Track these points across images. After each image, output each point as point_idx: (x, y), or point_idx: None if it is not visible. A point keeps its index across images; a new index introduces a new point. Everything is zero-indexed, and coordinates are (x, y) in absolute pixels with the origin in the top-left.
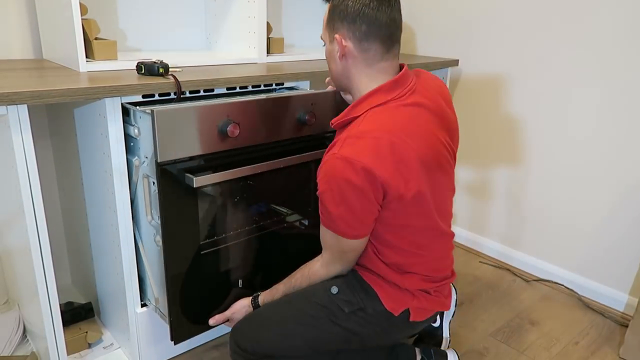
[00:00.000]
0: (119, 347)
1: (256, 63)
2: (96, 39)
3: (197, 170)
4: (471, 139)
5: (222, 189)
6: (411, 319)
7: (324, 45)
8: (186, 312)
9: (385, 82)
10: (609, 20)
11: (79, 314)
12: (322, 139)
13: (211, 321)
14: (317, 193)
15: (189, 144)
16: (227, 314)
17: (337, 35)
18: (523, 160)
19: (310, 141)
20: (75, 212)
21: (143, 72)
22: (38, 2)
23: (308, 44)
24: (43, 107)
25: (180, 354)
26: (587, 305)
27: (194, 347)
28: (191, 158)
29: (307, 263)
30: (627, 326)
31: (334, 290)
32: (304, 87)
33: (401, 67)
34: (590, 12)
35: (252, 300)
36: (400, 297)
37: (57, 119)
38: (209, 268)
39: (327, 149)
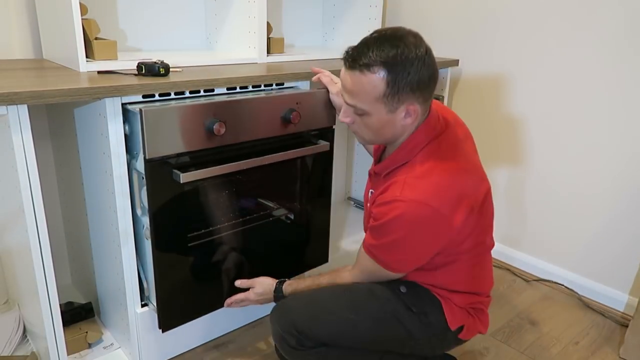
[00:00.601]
0: (119, 347)
1: (256, 63)
2: (96, 39)
3: (185, 167)
4: None
5: (208, 184)
6: (460, 336)
7: (364, 114)
8: (174, 301)
9: (421, 123)
10: (609, 20)
11: (79, 314)
12: (308, 137)
13: (237, 282)
14: (376, 225)
15: (177, 142)
16: (250, 282)
17: (410, 107)
18: (523, 160)
19: (294, 139)
20: (75, 212)
21: (143, 72)
22: (38, 2)
23: (308, 44)
24: (43, 107)
25: (180, 354)
26: (587, 305)
27: (194, 347)
28: (179, 155)
29: (337, 268)
30: (627, 326)
31: (403, 289)
32: (305, 87)
33: None
34: (590, 11)
35: (277, 283)
36: (459, 313)
37: (57, 119)
38: (196, 259)
39: (375, 194)
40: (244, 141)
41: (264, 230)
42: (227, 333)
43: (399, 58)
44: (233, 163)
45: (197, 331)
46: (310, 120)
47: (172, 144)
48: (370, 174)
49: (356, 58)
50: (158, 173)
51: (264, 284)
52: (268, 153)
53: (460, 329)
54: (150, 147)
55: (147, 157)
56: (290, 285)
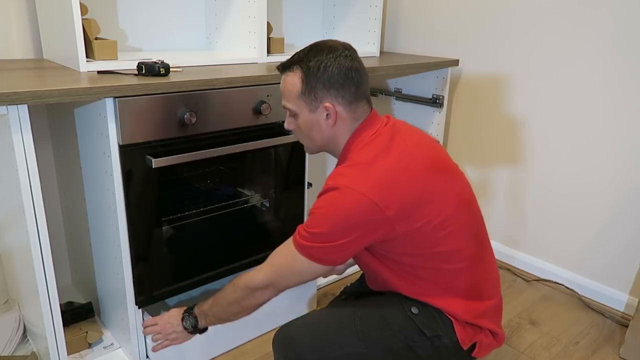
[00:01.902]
0: (120, 347)
1: (256, 63)
2: (96, 38)
3: (157, 154)
4: (471, 139)
5: (181, 170)
6: (474, 354)
7: (294, 116)
8: (149, 280)
9: (357, 127)
10: (609, 19)
11: (79, 314)
12: (278, 127)
13: (145, 331)
14: (311, 212)
15: (150, 130)
16: (156, 327)
17: (327, 104)
18: (523, 160)
19: (265, 130)
20: (75, 212)
21: (143, 72)
22: (38, 2)
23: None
24: (43, 107)
25: None
26: (587, 305)
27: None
28: (152, 142)
29: (234, 279)
30: (627, 326)
31: (415, 310)
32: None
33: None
34: (590, 11)
35: (184, 311)
36: (470, 330)
37: (57, 119)
38: (169, 241)
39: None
40: (215, 131)
41: (237, 216)
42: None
43: (312, 56)
44: (203, 151)
45: None
46: (281, 112)
47: (146, 131)
48: None
49: (284, 63)
50: (131, 158)
51: (165, 316)
52: (238, 142)
53: (473, 346)
54: (125, 133)
55: (121, 143)
56: (200, 308)
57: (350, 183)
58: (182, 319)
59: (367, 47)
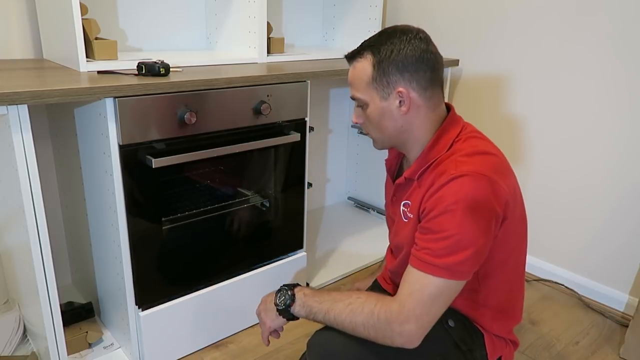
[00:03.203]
0: (120, 347)
1: (256, 63)
2: (96, 38)
3: (157, 154)
4: None
5: (181, 170)
6: None
7: (363, 105)
8: (149, 280)
9: (445, 119)
10: (608, 19)
11: (79, 314)
12: (280, 128)
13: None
14: (433, 220)
15: (150, 129)
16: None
17: (400, 89)
18: (523, 160)
19: (265, 130)
20: (75, 212)
21: (144, 72)
22: (38, 2)
23: (308, 44)
24: (43, 107)
25: (180, 354)
26: (587, 305)
27: (194, 347)
28: (152, 142)
29: (379, 299)
30: (627, 326)
31: (451, 323)
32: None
33: (447, 106)
34: (590, 11)
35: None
36: (499, 344)
37: (57, 119)
38: (169, 241)
39: (420, 193)
40: (215, 130)
41: (237, 216)
42: (230, 336)
43: (384, 40)
44: (203, 150)
45: (197, 332)
46: (281, 112)
47: (146, 131)
48: (396, 186)
49: (352, 51)
50: (131, 158)
51: (263, 298)
52: (238, 143)
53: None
54: (125, 133)
55: (121, 143)
56: (303, 295)
57: (481, 169)
58: (277, 293)
59: None
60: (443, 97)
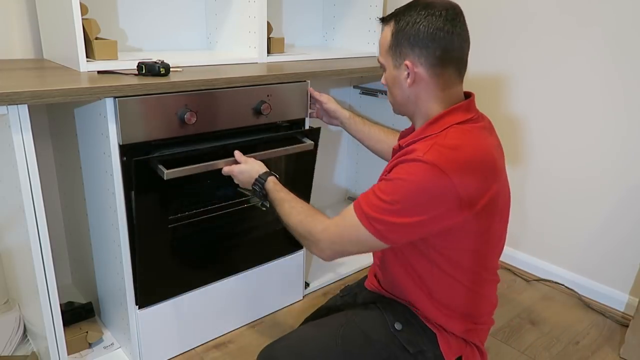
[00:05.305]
0: (120, 347)
1: (257, 63)
2: (96, 38)
3: (168, 162)
4: None
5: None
6: None
7: (382, 69)
8: (148, 280)
9: (458, 103)
10: (609, 19)
11: (80, 314)
12: (277, 128)
13: (236, 152)
14: (384, 180)
15: (150, 130)
16: (243, 158)
17: (407, 62)
18: (523, 160)
19: (266, 130)
20: (75, 212)
21: (144, 72)
22: (38, 2)
23: (308, 44)
24: (43, 107)
25: (180, 354)
26: (587, 305)
27: (194, 346)
28: (152, 142)
29: (315, 212)
30: (627, 326)
31: (398, 326)
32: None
33: (467, 94)
34: (590, 10)
35: (263, 173)
36: (455, 343)
37: (57, 119)
38: (170, 240)
39: (398, 154)
40: (215, 130)
41: (239, 216)
42: (227, 333)
43: (407, 11)
44: (214, 161)
45: (197, 331)
46: (281, 112)
47: (146, 131)
48: (393, 150)
49: (385, 16)
50: (131, 158)
51: (254, 165)
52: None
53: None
54: (125, 133)
55: (121, 143)
56: (273, 183)
57: (440, 162)
58: (257, 179)
59: (367, 47)
60: (460, 79)
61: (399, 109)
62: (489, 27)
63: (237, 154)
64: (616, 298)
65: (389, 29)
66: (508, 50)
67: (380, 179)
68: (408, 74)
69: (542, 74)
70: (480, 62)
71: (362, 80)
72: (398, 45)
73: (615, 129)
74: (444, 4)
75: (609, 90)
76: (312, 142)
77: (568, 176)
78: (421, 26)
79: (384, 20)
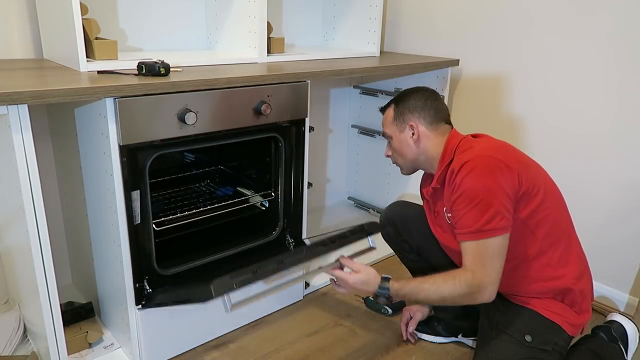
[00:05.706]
0: (120, 347)
1: (257, 63)
2: (96, 38)
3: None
4: None
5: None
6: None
7: (389, 139)
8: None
9: (450, 131)
10: (609, 19)
11: (80, 314)
12: (278, 127)
13: (341, 259)
14: (455, 209)
15: (150, 130)
16: (356, 266)
17: (411, 123)
18: None
19: (266, 130)
20: (75, 212)
21: (144, 72)
22: (38, 2)
23: (308, 44)
24: (43, 107)
25: (180, 354)
26: None
27: (194, 346)
28: (152, 142)
29: (446, 278)
30: None
31: (529, 338)
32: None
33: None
34: (590, 11)
35: (382, 279)
36: (575, 319)
37: (57, 119)
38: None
39: (440, 190)
40: (215, 131)
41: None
42: (227, 333)
43: (401, 96)
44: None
45: (197, 331)
46: (281, 112)
47: (146, 131)
48: (430, 195)
49: (384, 105)
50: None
51: (369, 274)
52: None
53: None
54: (125, 133)
55: (121, 143)
56: (397, 284)
57: (476, 154)
58: (379, 290)
59: (367, 47)
60: (450, 125)
61: (411, 166)
62: (490, 27)
63: (346, 261)
64: (616, 298)
65: (390, 109)
66: (508, 51)
67: (452, 210)
68: (413, 133)
69: (543, 74)
70: (480, 62)
71: (362, 80)
72: (400, 114)
73: (615, 129)
74: (425, 88)
75: (610, 90)
76: (374, 247)
77: (568, 176)
78: (416, 99)
79: (384, 107)
